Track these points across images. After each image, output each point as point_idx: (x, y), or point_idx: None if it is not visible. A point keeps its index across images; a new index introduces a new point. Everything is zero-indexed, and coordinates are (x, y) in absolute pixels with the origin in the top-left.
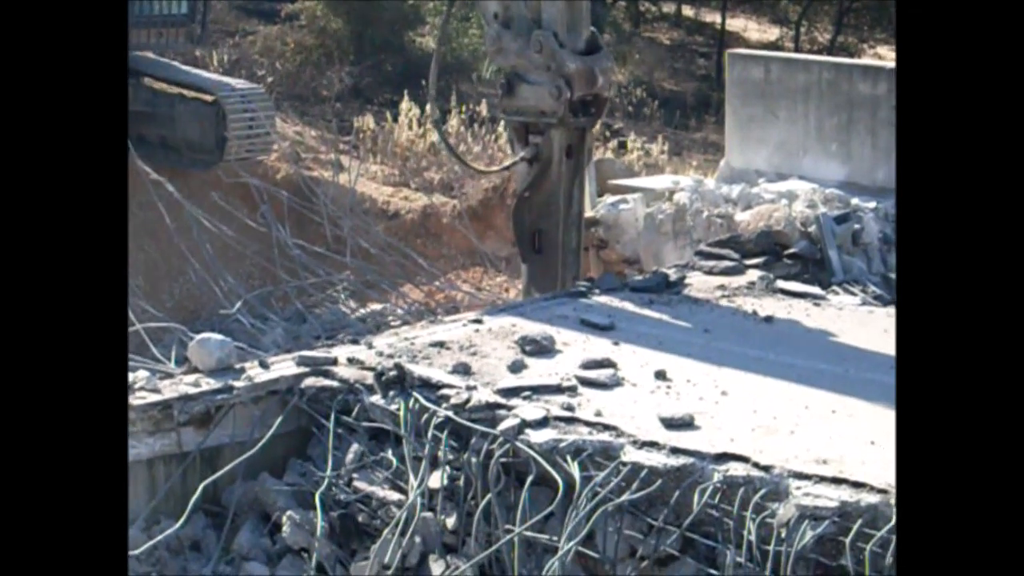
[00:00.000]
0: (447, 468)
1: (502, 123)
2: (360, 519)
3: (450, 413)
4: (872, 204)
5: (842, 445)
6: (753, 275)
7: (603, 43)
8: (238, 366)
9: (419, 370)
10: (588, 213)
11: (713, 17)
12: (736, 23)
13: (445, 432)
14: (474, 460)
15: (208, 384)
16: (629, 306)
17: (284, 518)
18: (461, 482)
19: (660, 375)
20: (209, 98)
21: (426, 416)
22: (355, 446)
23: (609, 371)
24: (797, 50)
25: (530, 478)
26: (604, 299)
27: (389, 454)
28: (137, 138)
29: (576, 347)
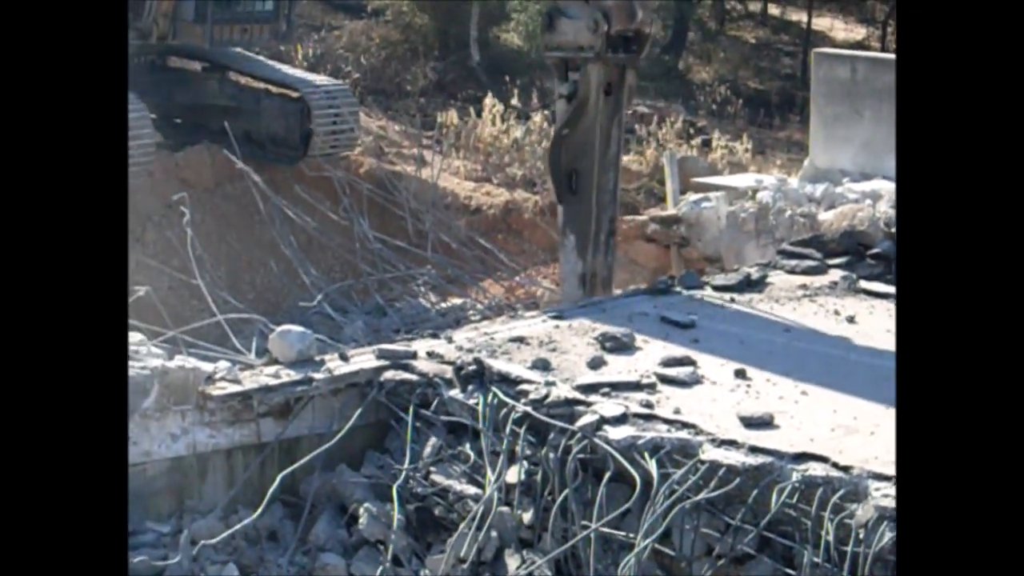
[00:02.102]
0: (524, 463)
1: None
2: (437, 512)
3: (528, 408)
4: None
5: None
6: (835, 275)
7: None
8: (318, 358)
9: (498, 365)
10: (671, 211)
11: (799, 16)
12: (822, 22)
13: (523, 427)
14: (552, 455)
15: (288, 376)
16: (710, 304)
17: (361, 510)
18: (538, 477)
19: (740, 374)
20: (295, 94)
21: (504, 411)
22: (433, 439)
23: (689, 369)
24: (883, 50)
25: (607, 474)
26: (685, 297)
27: (467, 448)
28: (221, 132)
29: (656, 344)
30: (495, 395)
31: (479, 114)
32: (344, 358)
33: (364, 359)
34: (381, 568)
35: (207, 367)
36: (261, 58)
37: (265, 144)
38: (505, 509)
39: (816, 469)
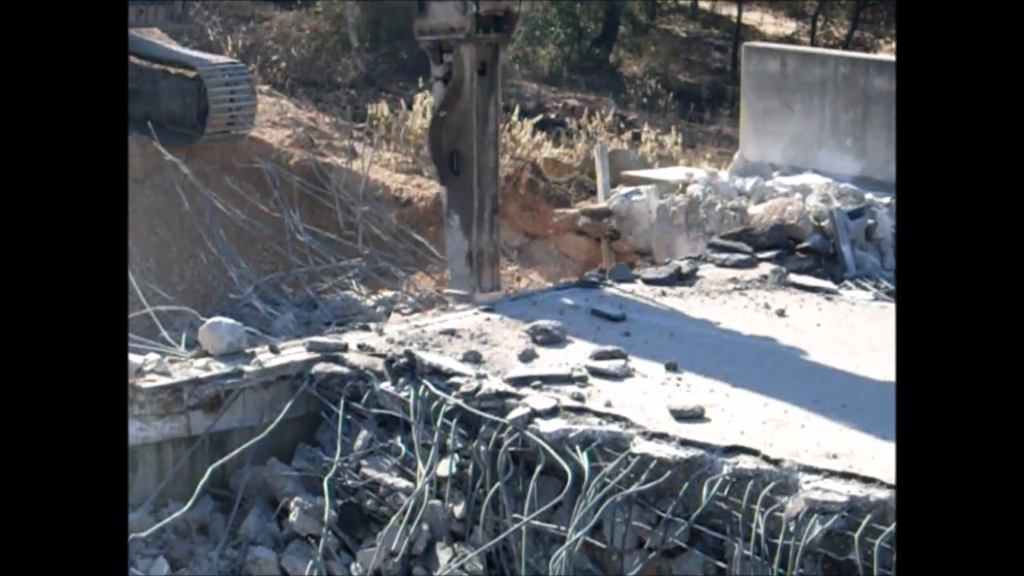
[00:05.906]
0: (456, 456)
1: (516, 111)
2: (368, 505)
3: (460, 401)
4: (886, 199)
5: (852, 440)
6: (766, 268)
7: None
8: (248, 351)
9: (429, 358)
10: (601, 204)
11: (729, 10)
12: (752, 16)
13: (454, 420)
14: (483, 449)
15: (218, 368)
16: (641, 297)
17: (292, 504)
18: (470, 470)
19: (671, 367)
20: (191, 73)
21: (436, 404)
22: (364, 432)
23: (620, 362)
24: (813, 44)
25: (539, 468)
26: (616, 290)
27: (398, 441)
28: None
29: (587, 337)
30: (426, 388)
31: (410, 106)
32: (275, 351)
33: (295, 352)
34: (312, 562)
35: (137, 359)
36: (159, 42)
37: (164, 124)
38: (436, 502)
39: (746, 462)
